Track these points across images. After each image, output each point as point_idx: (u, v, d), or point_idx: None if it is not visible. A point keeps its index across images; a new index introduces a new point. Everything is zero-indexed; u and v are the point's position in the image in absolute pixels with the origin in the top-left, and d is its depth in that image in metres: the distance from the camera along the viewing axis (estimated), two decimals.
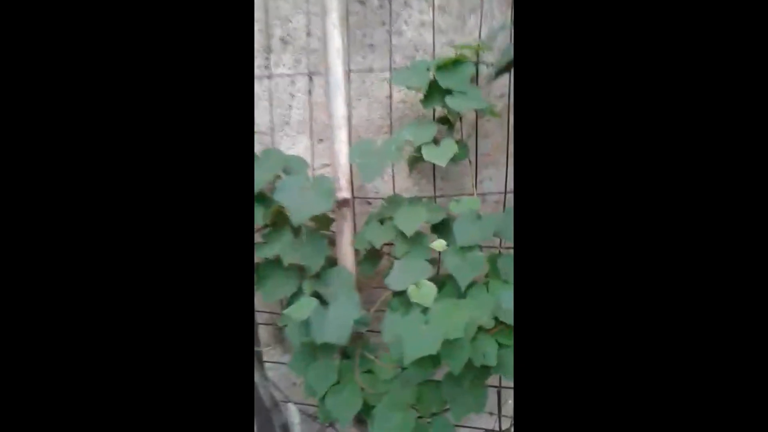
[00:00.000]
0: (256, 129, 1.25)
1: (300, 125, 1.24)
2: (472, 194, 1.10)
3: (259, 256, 1.07)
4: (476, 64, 1.07)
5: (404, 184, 1.20)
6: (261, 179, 1.05)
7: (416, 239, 1.05)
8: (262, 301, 1.12)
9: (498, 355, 0.91)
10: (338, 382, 1.06)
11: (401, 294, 0.99)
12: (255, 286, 1.10)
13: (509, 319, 0.92)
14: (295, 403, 1.30)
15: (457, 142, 1.02)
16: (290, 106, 1.24)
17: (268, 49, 1.22)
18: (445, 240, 1.01)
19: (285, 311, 1.03)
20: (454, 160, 1.00)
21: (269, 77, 1.23)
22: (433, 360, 0.92)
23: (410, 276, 0.99)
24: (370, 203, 1.23)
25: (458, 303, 0.94)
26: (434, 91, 1.01)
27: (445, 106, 1.00)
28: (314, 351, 1.06)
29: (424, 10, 1.10)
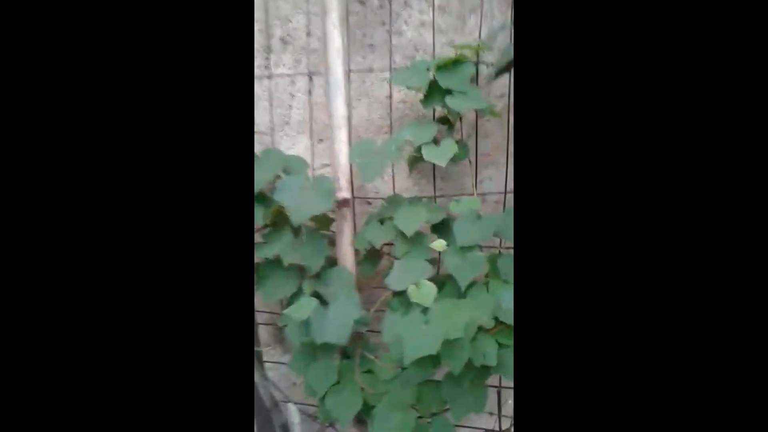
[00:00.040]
0: (256, 129, 1.25)
1: (300, 125, 1.24)
2: (472, 194, 1.10)
3: (259, 256, 1.07)
4: (476, 64, 1.07)
5: (404, 184, 1.20)
6: (261, 179, 1.05)
7: (416, 239, 1.04)
8: (262, 301, 1.12)
9: (498, 355, 0.91)
10: (338, 382, 1.06)
11: (401, 294, 0.99)
12: (255, 286, 1.10)
13: (509, 319, 0.92)
14: (295, 403, 1.29)
15: (457, 142, 1.02)
16: (290, 106, 1.24)
17: (268, 49, 1.22)
18: (445, 240, 1.01)
19: (285, 311, 1.02)
20: (454, 160, 1.00)
21: (269, 77, 1.23)
22: (433, 360, 0.92)
23: (410, 276, 0.99)
24: (370, 203, 1.23)
25: (458, 303, 0.94)
26: (434, 91, 1.01)
27: (445, 106, 1.00)
28: (314, 351, 1.06)
29: (424, 10, 1.10)
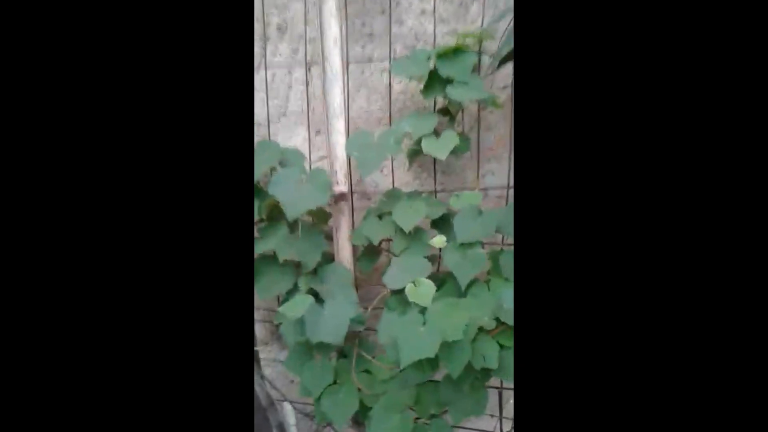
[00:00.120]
0: None
1: (297, 116, 1.20)
2: (474, 189, 1.07)
3: (254, 252, 1.04)
4: (479, 53, 1.03)
5: (404, 177, 1.17)
6: (256, 172, 1.01)
7: (415, 235, 1.02)
8: (258, 297, 1.09)
9: (499, 357, 0.88)
10: (334, 383, 1.03)
11: (399, 292, 0.96)
12: None
13: (511, 320, 0.88)
14: (292, 402, 1.27)
15: (459, 134, 0.99)
16: (287, 96, 1.21)
17: (265, 38, 1.18)
18: (445, 236, 0.98)
19: (280, 309, 1.00)
20: (455, 153, 0.97)
21: (266, 67, 1.19)
22: (431, 363, 0.89)
23: (408, 274, 0.96)
24: (369, 198, 1.20)
25: (458, 303, 0.91)
26: (435, 81, 0.98)
27: (446, 96, 0.96)
28: (310, 350, 1.03)
29: None
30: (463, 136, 1.03)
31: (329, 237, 1.12)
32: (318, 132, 1.20)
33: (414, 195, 1.07)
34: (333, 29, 1.02)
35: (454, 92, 0.94)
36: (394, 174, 1.17)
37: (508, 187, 1.11)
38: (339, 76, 1.03)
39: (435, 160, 1.12)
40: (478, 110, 1.08)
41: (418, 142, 0.97)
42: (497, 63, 0.96)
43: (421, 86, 1.00)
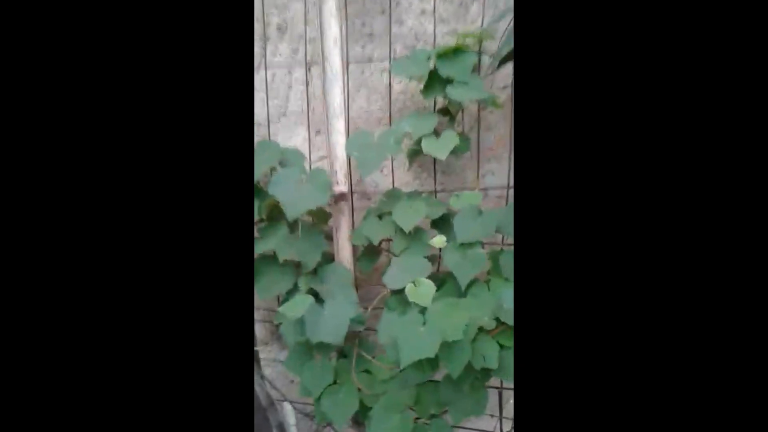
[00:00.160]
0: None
1: (297, 117, 1.20)
2: (474, 189, 1.07)
3: (254, 252, 1.04)
4: (479, 54, 1.03)
5: (404, 178, 1.17)
6: (256, 172, 1.01)
7: (415, 235, 1.01)
8: (258, 298, 1.09)
9: (500, 357, 0.87)
10: (335, 383, 1.03)
11: (399, 292, 0.96)
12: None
13: (511, 320, 0.88)
14: (292, 402, 1.27)
15: (459, 134, 0.99)
16: (287, 96, 1.20)
17: (265, 38, 1.18)
18: (445, 236, 0.97)
19: (279, 309, 0.99)
20: (455, 153, 0.97)
21: (266, 67, 1.19)
22: (431, 363, 0.89)
23: (408, 274, 0.96)
24: (369, 198, 1.20)
25: (458, 303, 0.91)
26: (435, 81, 0.97)
27: (445, 96, 0.96)
28: (310, 350, 1.03)
29: None
30: (463, 136, 1.03)
31: (329, 237, 1.12)
32: (318, 132, 1.19)
33: (414, 195, 1.07)
34: (333, 29, 1.01)
35: (454, 92, 0.94)
36: (394, 174, 1.16)
37: (508, 187, 1.11)
38: (339, 76, 1.03)
39: (435, 160, 1.12)
40: (478, 110, 1.08)
41: (418, 142, 0.97)
42: (497, 63, 0.96)
43: (421, 86, 1.00)
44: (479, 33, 0.99)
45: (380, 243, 1.06)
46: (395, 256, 1.01)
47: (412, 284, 0.94)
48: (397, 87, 1.12)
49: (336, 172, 1.06)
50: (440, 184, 1.14)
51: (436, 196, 1.12)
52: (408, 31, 1.09)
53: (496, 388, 1.11)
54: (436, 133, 0.98)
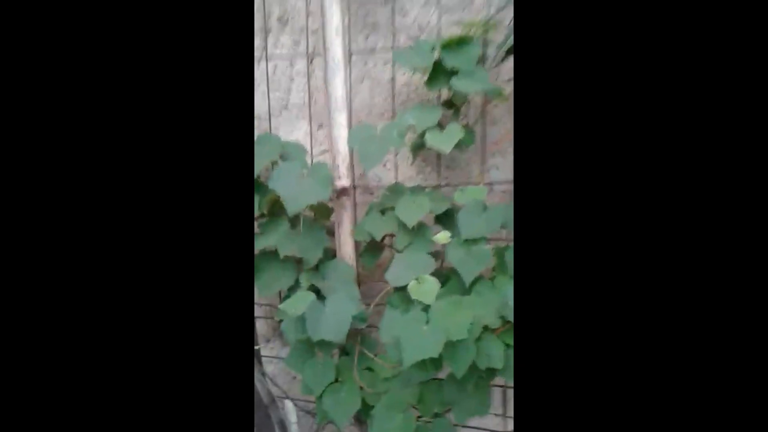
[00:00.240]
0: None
1: (299, 110, 1.18)
2: (479, 183, 1.04)
3: (255, 247, 1.02)
4: (484, 45, 1.00)
5: (408, 172, 1.14)
6: (257, 166, 0.99)
7: (419, 231, 0.99)
8: (258, 294, 1.07)
9: (505, 356, 0.85)
10: (336, 381, 1.01)
11: (402, 289, 0.94)
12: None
13: None
14: (294, 399, 1.25)
15: (464, 127, 0.96)
16: (289, 89, 1.18)
17: (266, 30, 1.16)
18: (450, 232, 0.95)
19: (280, 306, 0.98)
20: (459, 146, 0.94)
21: (267, 59, 1.17)
22: (435, 362, 0.86)
23: (411, 270, 0.93)
24: (371, 192, 1.17)
25: (462, 300, 0.88)
26: (439, 72, 0.95)
27: (450, 88, 0.93)
28: (311, 347, 1.01)
29: None
30: (468, 129, 1.01)
31: (331, 232, 1.10)
32: (320, 126, 1.17)
33: (417, 190, 1.05)
34: (335, 19, 0.99)
35: (459, 83, 0.91)
36: (397, 168, 1.14)
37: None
38: (341, 66, 1.01)
39: (439, 153, 1.09)
40: (483, 103, 1.06)
41: (422, 135, 0.95)
42: (503, 54, 0.93)
43: (425, 78, 0.97)
44: (484, 23, 0.97)
45: (383, 239, 1.05)
46: (398, 252, 1.00)
47: (416, 281, 0.92)
48: (400, 79, 1.09)
49: (338, 166, 1.04)
50: (444, 179, 1.12)
51: (440, 191, 1.10)
52: (412, 22, 1.06)
53: (501, 386, 1.09)
54: (441, 126, 0.96)
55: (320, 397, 1.00)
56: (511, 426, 1.12)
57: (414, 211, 0.97)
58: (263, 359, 1.35)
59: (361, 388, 1.00)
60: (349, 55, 1.10)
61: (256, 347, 1.28)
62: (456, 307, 0.86)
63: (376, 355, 1.03)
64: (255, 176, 1.01)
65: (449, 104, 1.03)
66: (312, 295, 0.98)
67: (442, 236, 0.95)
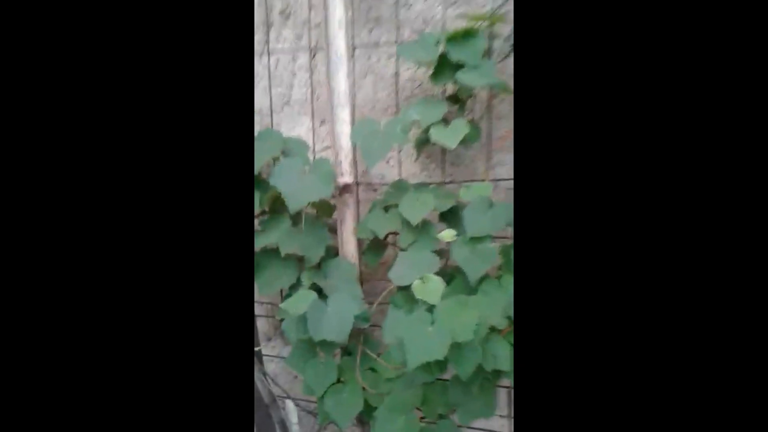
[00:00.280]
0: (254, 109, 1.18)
1: (301, 105, 1.16)
2: (484, 180, 1.02)
3: (255, 245, 1.01)
4: (490, 38, 0.98)
5: (412, 168, 1.12)
6: (258, 162, 0.97)
7: (423, 229, 0.97)
8: (259, 293, 1.05)
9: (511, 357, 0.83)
10: (338, 381, 0.99)
11: (406, 289, 0.92)
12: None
13: None
14: (295, 399, 1.24)
15: (469, 122, 0.94)
16: (291, 84, 1.17)
17: (268, 24, 1.14)
18: (455, 230, 0.93)
19: (281, 305, 0.96)
20: (464, 142, 0.92)
21: (269, 53, 1.15)
22: (440, 364, 0.84)
23: (416, 269, 0.91)
24: (375, 189, 1.16)
25: (467, 300, 0.86)
26: (444, 66, 0.93)
27: (455, 82, 0.91)
28: (313, 347, 1.00)
29: None
30: (473, 124, 0.98)
31: (333, 230, 1.09)
32: (323, 122, 1.16)
33: (422, 186, 1.03)
34: (338, 12, 0.97)
35: (465, 77, 0.89)
36: (401, 164, 1.12)
37: None
38: (344, 60, 0.99)
39: (443, 150, 1.07)
40: (489, 98, 1.03)
41: (427, 130, 0.93)
42: (509, 47, 0.91)
43: (430, 72, 0.95)
44: (490, 15, 0.94)
45: (386, 236, 1.03)
46: (402, 250, 0.98)
47: (420, 280, 0.90)
48: (404, 74, 1.07)
49: (340, 162, 1.02)
50: (449, 175, 1.10)
51: (444, 188, 1.08)
52: (416, 15, 1.04)
53: (506, 387, 1.07)
54: (446, 121, 0.94)
55: (322, 397, 0.98)
56: None
57: (418, 208, 0.95)
58: (264, 358, 1.34)
59: (364, 388, 0.98)
60: (352, 49, 1.08)
61: (256, 348, 1.26)
62: (462, 307, 0.84)
63: (379, 355, 1.01)
64: (256, 173, 0.99)
65: (454, 99, 1.00)
66: (314, 294, 0.96)
67: (447, 234, 0.93)
